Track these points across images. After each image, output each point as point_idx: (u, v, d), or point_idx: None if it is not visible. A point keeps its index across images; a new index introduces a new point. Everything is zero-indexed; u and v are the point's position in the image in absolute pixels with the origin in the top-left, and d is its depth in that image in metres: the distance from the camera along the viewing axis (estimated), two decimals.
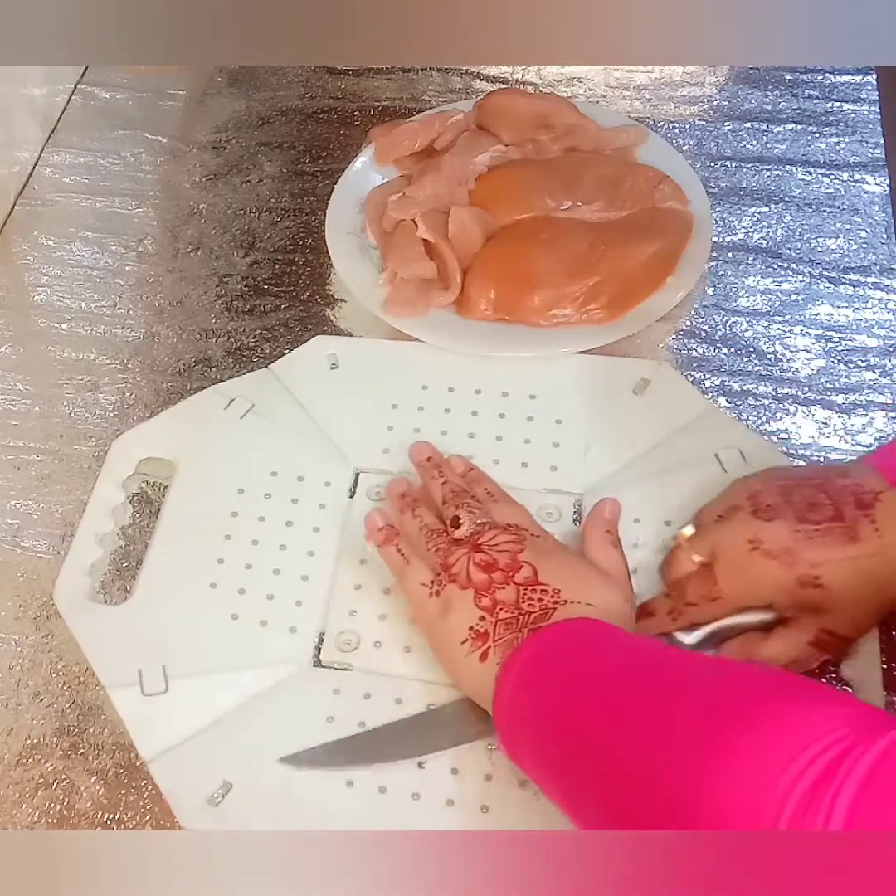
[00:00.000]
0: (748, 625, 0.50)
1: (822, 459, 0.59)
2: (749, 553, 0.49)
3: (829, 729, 0.34)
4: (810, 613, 0.49)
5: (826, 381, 0.63)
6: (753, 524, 0.49)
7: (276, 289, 0.71)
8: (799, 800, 0.33)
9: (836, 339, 0.64)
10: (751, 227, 0.70)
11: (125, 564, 0.58)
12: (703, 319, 0.66)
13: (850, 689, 0.51)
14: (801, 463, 0.59)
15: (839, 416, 0.61)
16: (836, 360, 0.64)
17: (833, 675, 0.51)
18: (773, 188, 0.72)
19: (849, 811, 0.32)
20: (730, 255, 0.69)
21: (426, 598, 0.50)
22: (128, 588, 0.57)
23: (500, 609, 0.48)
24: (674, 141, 0.74)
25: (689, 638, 0.50)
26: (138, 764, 0.51)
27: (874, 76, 0.78)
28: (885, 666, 0.51)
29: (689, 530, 0.53)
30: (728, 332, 0.65)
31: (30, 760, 0.53)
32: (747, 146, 0.75)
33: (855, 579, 0.47)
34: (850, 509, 0.48)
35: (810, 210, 0.71)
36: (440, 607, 0.50)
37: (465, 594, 0.49)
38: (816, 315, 0.65)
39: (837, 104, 0.77)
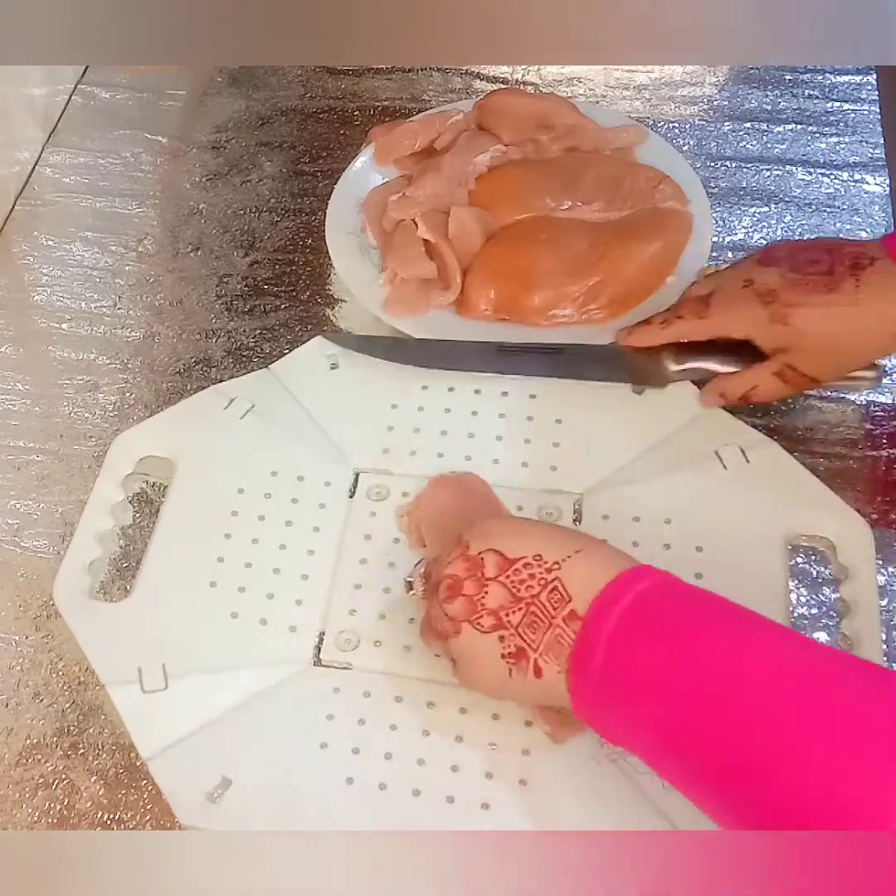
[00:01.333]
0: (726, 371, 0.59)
1: (822, 459, 0.59)
2: (741, 289, 0.56)
3: None
4: (780, 352, 0.55)
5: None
6: (753, 268, 0.57)
7: (276, 289, 0.71)
8: None
9: None
10: (751, 227, 0.70)
11: (125, 563, 0.58)
12: None
13: None
14: (801, 467, 0.59)
15: (839, 416, 0.61)
16: None
17: None
18: (773, 188, 0.72)
19: None
20: (730, 255, 0.69)
21: (452, 668, 0.48)
22: (127, 586, 0.57)
23: (506, 614, 0.44)
24: (674, 141, 0.74)
25: (676, 366, 0.60)
26: (138, 764, 0.51)
27: (874, 76, 0.78)
28: (886, 661, 0.51)
29: (711, 270, 0.62)
30: None
31: (30, 760, 0.53)
32: (747, 146, 0.75)
33: (823, 326, 0.54)
34: (842, 268, 0.54)
35: (810, 210, 0.71)
36: (465, 663, 0.47)
37: (468, 634, 0.45)
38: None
39: (837, 104, 0.77)
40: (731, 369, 0.59)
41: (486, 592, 0.45)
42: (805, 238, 0.69)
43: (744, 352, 0.58)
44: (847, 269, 0.54)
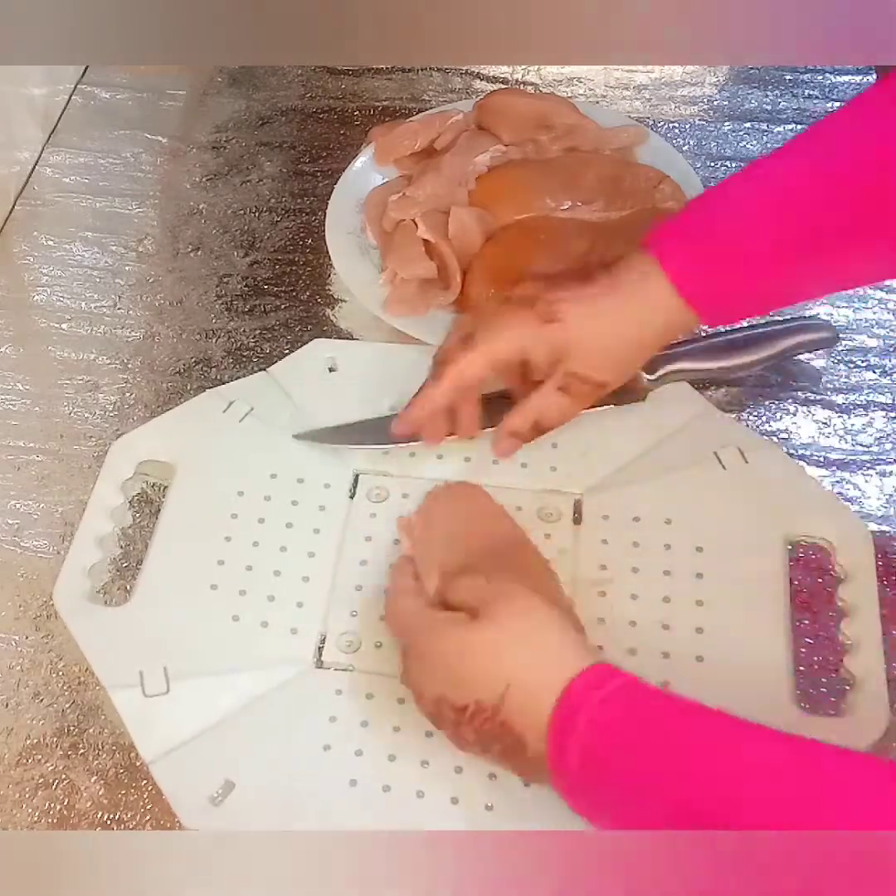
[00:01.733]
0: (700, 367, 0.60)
1: (822, 459, 0.60)
2: (499, 306, 0.55)
3: None
4: (558, 363, 0.53)
5: (826, 381, 0.63)
6: (508, 294, 0.56)
7: (276, 289, 0.71)
8: None
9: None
10: None
11: (125, 565, 0.58)
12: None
13: (850, 688, 0.51)
14: (802, 464, 0.59)
15: (839, 416, 0.61)
16: (836, 360, 0.64)
17: (835, 674, 0.51)
18: None
19: None
20: None
21: None
22: (128, 589, 0.57)
23: (483, 748, 0.46)
24: (674, 141, 0.74)
25: (649, 375, 0.60)
26: (138, 764, 0.51)
27: (874, 76, 0.78)
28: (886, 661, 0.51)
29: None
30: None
31: (30, 760, 0.53)
32: (747, 146, 0.75)
33: (592, 318, 0.52)
34: (595, 269, 0.54)
35: None
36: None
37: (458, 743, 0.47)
38: (816, 315, 0.65)
39: (837, 104, 0.76)
40: (705, 365, 0.61)
41: (460, 731, 0.46)
42: None
43: (716, 349, 0.59)
44: (600, 268, 0.53)
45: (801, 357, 0.63)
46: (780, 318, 0.63)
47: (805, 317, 0.64)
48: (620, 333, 0.53)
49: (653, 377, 0.60)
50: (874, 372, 0.63)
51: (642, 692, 0.43)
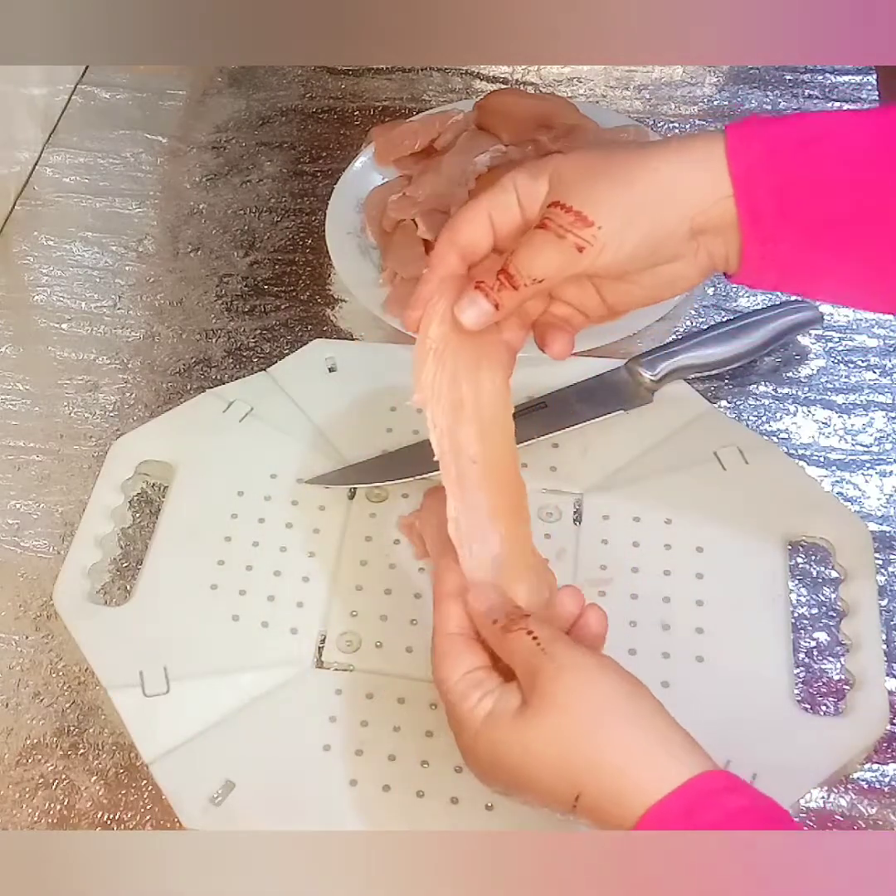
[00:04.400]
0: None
1: (822, 459, 0.60)
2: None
3: None
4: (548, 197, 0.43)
5: (826, 381, 0.63)
6: None
7: (276, 289, 0.71)
8: None
9: (836, 339, 0.64)
10: None
11: (125, 565, 0.58)
12: (703, 319, 0.66)
13: (850, 688, 0.51)
14: (802, 464, 0.59)
15: (839, 416, 0.61)
16: (836, 360, 0.64)
17: (835, 674, 0.51)
18: None
19: None
20: None
21: None
22: (128, 588, 0.57)
23: None
24: None
25: (651, 374, 0.60)
26: (138, 764, 0.51)
27: (874, 76, 0.78)
28: (886, 661, 0.51)
29: None
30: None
31: (30, 760, 0.53)
32: None
33: (594, 149, 0.46)
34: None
35: None
36: None
37: None
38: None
39: (837, 104, 0.77)
40: (703, 356, 0.61)
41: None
42: None
43: (715, 340, 0.59)
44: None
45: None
46: (766, 305, 0.64)
47: (789, 300, 0.64)
48: (652, 225, 0.42)
49: (656, 377, 0.60)
50: (874, 372, 0.63)
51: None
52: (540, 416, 0.60)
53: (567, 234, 0.41)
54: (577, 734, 0.38)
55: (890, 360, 0.63)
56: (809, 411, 0.62)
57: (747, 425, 0.61)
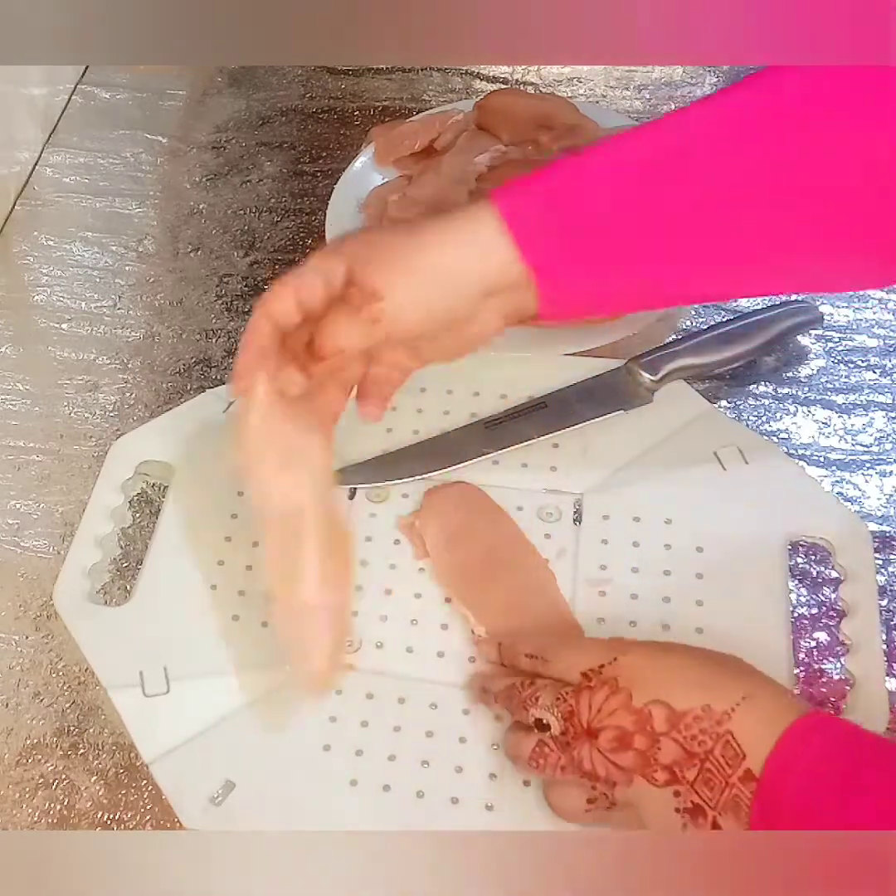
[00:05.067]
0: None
1: (822, 459, 0.60)
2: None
3: None
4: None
5: (826, 381, 0.63)
6: None
7: None
8: None
9: (836, 339, 0.65)
10: None
11: (125, 565, 0.58)
12: (703, 319, 0.66)
13: (850, 688, 0.51)
14: (802, 464, 0.59)
15: (839, 416, 0.61)
16: (836, 360, 0.64)
17: (835, 674, 0.51)
18: None
19: None
20: None
21: (604, 814, 0.44)
22: (128, 588, 0.57)
23: (680, 771, 0.42)
24: None
25: (652, 376, 0.60)
26: (138, 764, 0.51)
27: None
28: (886, 661, 0.51)
29: None
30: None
31: (30, 760, 0.53)
32: None
33: (386, 233, 0.49)
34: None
35: None
36: (625, 812, 0.44)
37: (641, 786, 0.42)
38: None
39: None
40: (704, 360, 0.61)
41: (659, 748, 0.42)
42: None
43: (715, 342, 0.59)
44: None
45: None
46: (766, 305, 0.64)
47: (790, 301, 0.64)
48: (439, 297, 0.46)
49: (656, 378, 0.60)
50: (874, 372, 0.63)
51: (864, 738, 0.41)
52: (540, 415, 0.60)
53: (362, 309, 0.45)
54: (744, 665, 0.45)
55: (890, 360, 0.63)
56: (809, 411, 0.62)
57: (747, 425, 0.61)
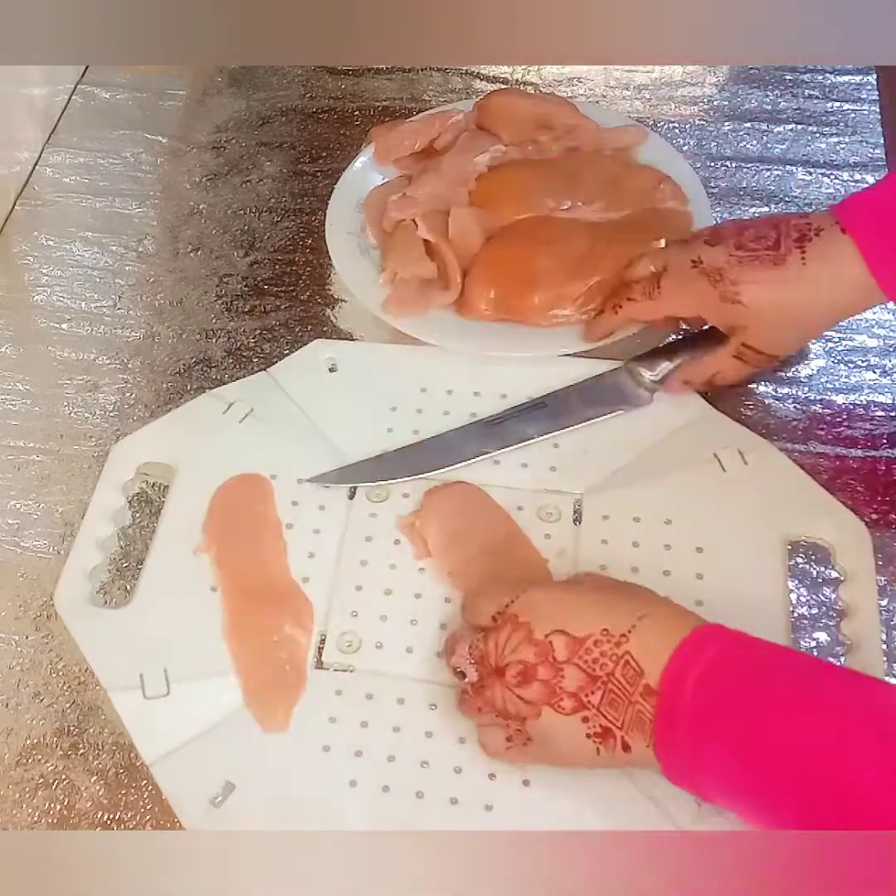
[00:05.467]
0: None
1: (821, 460, 0.59)
2: (690, 269, 0.56)
3: None
4: (734, 331, 0.56)
5: (826, 381, 0.63)
6: (701, 247, 0.56)
7: (276, 289, 0.71)
8: None
9: (836, 339, 0.64)
10: None
11: (126, 566, 0.58)
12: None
13: None
14: (801, 465, 0.59)
15: (839, 416, 0.61)
16: (836, 360, 0.64)
17: None
18: (773, 188, 0.72)
19: None
20: None
21: (523, 750, 0.47)
22: (128, 590, 0.57)
23: (586, 695, 0.44)
24: (674, 141, 0.74)
25: (652, 375, 0.60)
26: (138, 764, 0.51)
27: (874, 76, 0.78)
28: (886, 661, 0.51)
29: (661, 243, 0.62)
30: None
31: (30, 760, 0.53)
32: (747, 146, 0.75)
33: (772, 301, 0.54)
34: (788, 242, 0.54)
35: (810, 210, 0.70)
36: (546, 744, 0.45)
37: (549, 717, 0.45)
38: None
39: (837, 104, 0.77)
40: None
41: (562, 676, 0.44)
42: None
43: (712, 341, 0.59)
44: (793, 243, 0.54)
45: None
46: None
47: None
48: (799, 315, 0.55)
49: (656, 377, 0.60)
50: (874, 372, 0.63)
51: (757, 643, 0.43)
52: (540, 415, 0.60)
53: (760, 365, 0.58)
54: (640, 589, 0.48)
55: (890, 360, 0.63)
56: (809, 411, 0.62)
57: (746, 426, 0.61)
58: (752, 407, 0.62)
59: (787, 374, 0.63)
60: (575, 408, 0.60)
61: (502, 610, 0.47)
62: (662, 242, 0.62)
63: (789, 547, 0.55)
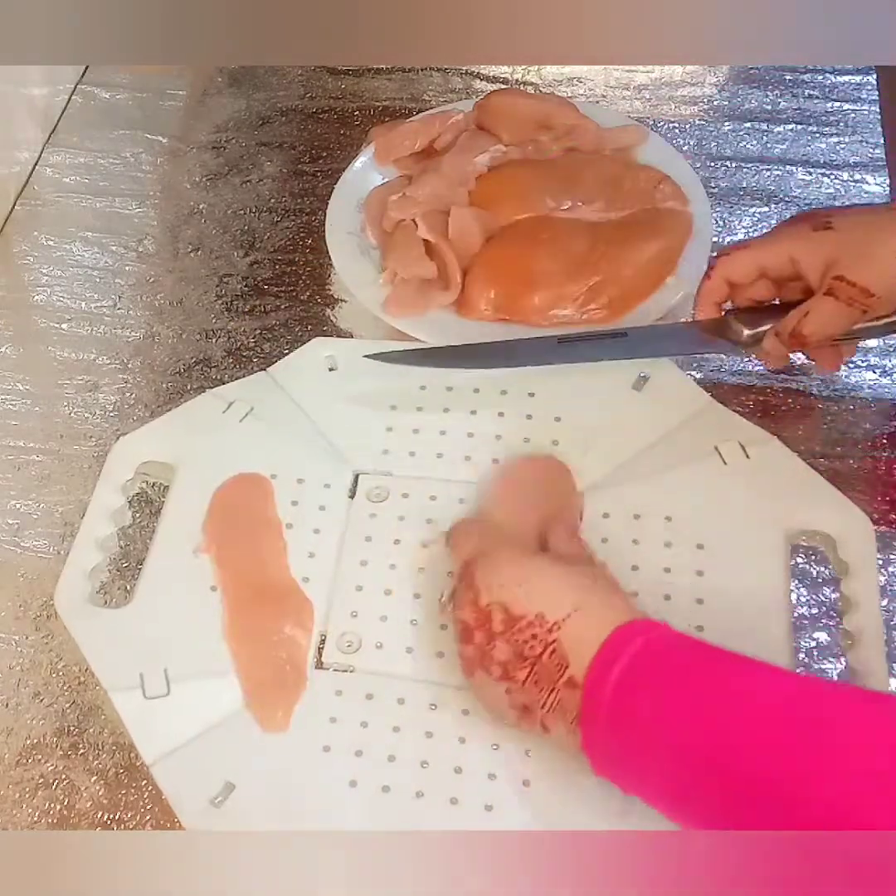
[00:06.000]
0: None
1: (823, 454, 0.59)
2: (781, 223, 0.57)
3: None
4: (828, 268, 0.53)
5: (826, 381, 0.63)
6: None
7: (276, 289, 0.71)
8: None
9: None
10: (751, 227, 0.70)
11: (126, 565, 0.58)
12: None
13: (853, 682, 0.51)
14: (801, 462, 0.59)
15: (839, 416, 0.61)
16: None
17: (837, 669, 0.51)
18: (773, 188, 0.72)
19: None
20: None
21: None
22: (128, 589, 0.57)
23: (512, 670, 0.45)
24: (674, 141, 0.74)
25: (749, 330, 0.57)
26: (138, 764, 0.51)
27: (874, 76, 0.78)
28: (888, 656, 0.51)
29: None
30: None
31: (30, 760, 0.53)
32: (747, 146, 0.75)
33: (865, 226, 0.53)
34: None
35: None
36: (481, 702, 0.49)
37: (480, 678, 0.47)
38: None
39: (837, 104, 0.77)
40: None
41: (494, 646, 0.46)
42: None
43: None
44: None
45: None
46: None
47: None
48: (893, 244, 0.52)
49: (752, 332, 0.58)
50: (874, 372, 0.63)
51: (681, 640, 0.44)
52: (618, 344, 0.60)
53: (853, 303, 0.53)
54: (582, 576, 0.47)
55: (890, 360, 0.63)
56: (809, 412, 0.62)
57: (748, 420, 0.60)
58: (753, 401, 0.62)
59: (787, 375, 0.63)
60: (655, 344, 0.60)
61: (469, 560, 0.50)
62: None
63: (791, 544, 0.55)
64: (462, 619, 0.48)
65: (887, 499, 0.58)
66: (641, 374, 0.61)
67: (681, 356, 0.61)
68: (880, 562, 0.54)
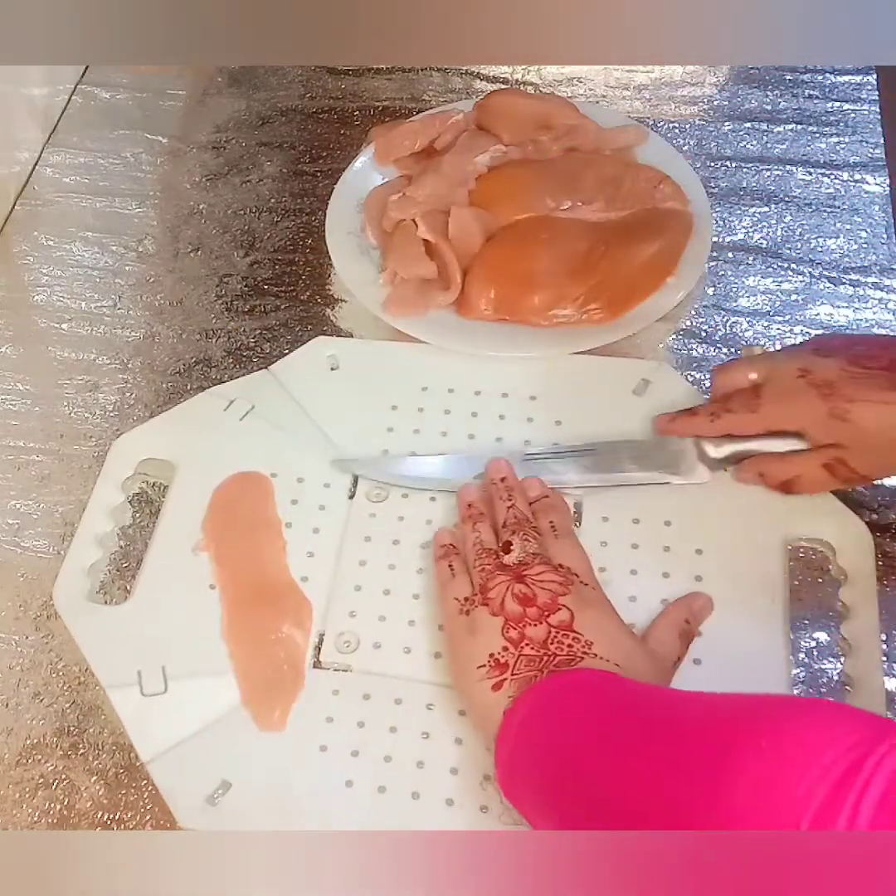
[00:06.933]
0: (773, 451, 0.55)
1: None
2: (796, 379, 0.53)
3: (846, 731, 0.34)
4: (832, 447, 0.52)
5: None
6: (810, 357, 0.53)
7: (276, 289, 0.71)
8: (822, 801, 0.32)
9: None
10: (751, 227, 0.70)
11: (125, 564, 0.58)
12: (703, 319, 0.66)
13: (850, 689, 0.51)
14: None
15: None
16: None
17: (835, 676, 0.51)
18: (773, 188, 0.72)
19: (876, 810, 0.31)
20: (730, 255, 0.69)
21: (456, 614, 0.50)
22: (127, 588, 0.57)
23: (526, 644, 0.47)
24: (674, 141, 0.74)
25: (717, 452, 0.56)
26: (138, 764, 0.51)
27: (874, 76, 0.78)
28: (886, 662, 0.51)
29: (757, 350, 0.60)
30: (728, 332, 0.65)
31: (30, 760, 0.53)
32: (747, 146, 0.75)
33: (882, 424, 0.51)
34: None
35: (810, 210, 0.71)
36: (467, 626, 0.49)
37: (495, 620, 0.48)
38: (816, 315, 0.65)
39: (837, 104, 0.76)
40: (777, 446, 0.55)
41: (535, 625, 0.48)
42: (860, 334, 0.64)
43: (790, 438, 0.54)
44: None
45: None
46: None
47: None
48: None
49: (720, 455, 0.56)
50: None
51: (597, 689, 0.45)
52: (584, 460, 0.58)
53: (848, 482, 0.53)
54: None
55: None
56: None
57: None
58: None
59: None
60: (624, 464, 0.57)
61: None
62: (757, 349, 0.60)
63: (789, 548, 0.55)
64: (544, 579, 0.49)
65: (886, 502, 0.58)
66: (642, 379, 0.61)
67: (642, 484, 0.57)
68: (879, 565, 0.54)
